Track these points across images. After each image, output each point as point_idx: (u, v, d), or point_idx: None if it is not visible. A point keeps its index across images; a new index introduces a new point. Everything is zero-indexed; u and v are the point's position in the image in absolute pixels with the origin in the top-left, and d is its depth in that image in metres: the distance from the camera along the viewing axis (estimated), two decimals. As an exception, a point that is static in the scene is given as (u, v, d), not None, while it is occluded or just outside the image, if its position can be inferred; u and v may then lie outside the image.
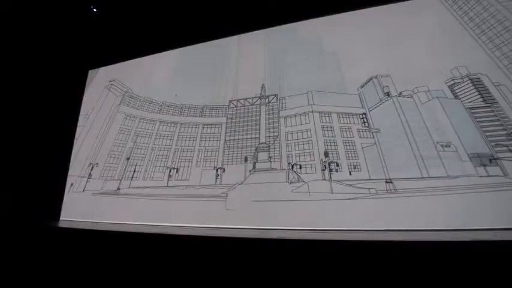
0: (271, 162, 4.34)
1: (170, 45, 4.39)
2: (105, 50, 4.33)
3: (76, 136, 5.30)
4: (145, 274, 2.49)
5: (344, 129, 4.22)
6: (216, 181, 4.53)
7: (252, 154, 4.49)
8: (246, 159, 4.49)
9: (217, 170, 4.60)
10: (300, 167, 4.12)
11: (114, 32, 4.24)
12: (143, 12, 4.10)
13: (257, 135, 4.62)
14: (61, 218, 3.97)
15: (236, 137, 4.77)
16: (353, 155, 3.99)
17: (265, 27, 4.53)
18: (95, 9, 4.02)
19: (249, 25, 4.22)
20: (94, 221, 3.95)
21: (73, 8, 4.00)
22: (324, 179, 3.89)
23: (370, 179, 3.70)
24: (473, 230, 2.37)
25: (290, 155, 4.28)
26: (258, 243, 2.57)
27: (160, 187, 4.77)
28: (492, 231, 2.22)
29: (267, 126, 4.65)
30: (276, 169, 4.22)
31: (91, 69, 4.59)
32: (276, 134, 4.52)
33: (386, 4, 4.15)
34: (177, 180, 4.81)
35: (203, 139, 5.06)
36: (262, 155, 4.42)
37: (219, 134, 4.95)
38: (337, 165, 3.95)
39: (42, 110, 4.05)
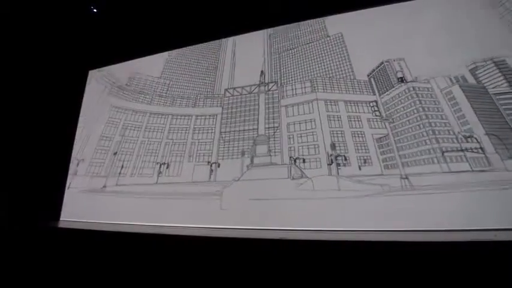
0: (271, 156, 3.98)
1: (170, 45, 4.37)
2: (105, 50, 4.36)
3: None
4: (145, 274, 2.50)
5: (353, 119, 3.84)
6: (210, 177, 4.18)
7: (249, 147, 4.15)
8: (243, 153, 4.13)
9: (211, 165, 4.25)
10: (304, 161, 3.76)
11: (114, 32, 4.26)
12: (143, 12, 4.09)
13: (255, 127, 4.27)
14: (61, 218, 3.95)
15: (232, 129, 4.41)
16: (363, 148, 3.62)
17: (266, 27, 4.37)
18: (95, 10, 4.04)
19: (250, 25, 4.15)
20: (94, 221, 3.87)
21: (73, 8, 4.01)
22: (331, 175, 3.55)
23: (383, 175, 3.37)
24: (473, 231, 2.29)
25: (292, 148, 3.93)
26: (256, 244, 2.49)
27: (149, 184, 4.45)
28: (492, 232, 2.15)
29: (267, 116, 4.30)
30: (277, 164, 3.87)
31: (91, 69, 4.59)
32: (276, 125, 4.17)
33: (389, 4, 3.88)
34: (168, 176, 4.47)
35: (196, 131, 4.70)
36: (261, 148, 4.09)
37: (214, 126, 4.59)
38: (345, 159, 3.59)
39: (42, 110, 4.08)
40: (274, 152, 3.99)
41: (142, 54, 4.42)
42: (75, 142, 4.79)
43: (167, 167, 4.50)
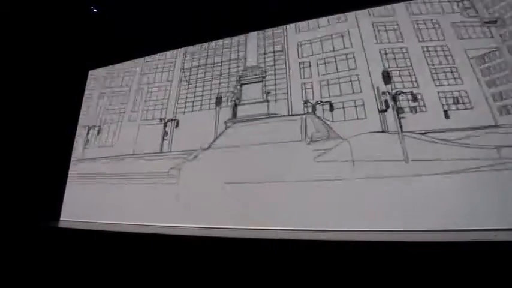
0: (268, 102, 2.69)
1: (171, 45, 3.80)
2: (105, 50, 4.20)
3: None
4: (145, 274, 2.38)
5: (423, 25, 2.47)
6: (161, 146, 2.93)
7: (231, 90, 2.91)
8: (219, 101, 2.87)
9: (165, 125, 2.99)
10: (331, 108, 2.47)
11: (114, 32, 4.08)
12: (143, 12, 3.83)
13: (241, 55, 3.00)
14: (61, 218, 3.65)
15: (202, 62, 3.14)
16: (449, 75, 2.26)
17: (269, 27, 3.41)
18: (95, 10, 3.97)
19: (249, 25, 3.39)
20: (94, 221, 3.27)
21: (73, 8, 3.97)
22: (385, 131, 2.27)
23: (498, 126, 2.01)
24: (473, 231, 1.97)
25: (308, 86, 2.63)
26: (256, 245, 2.22)
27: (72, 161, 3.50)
28: (493, 232, 1.89)
29: (261, 35, 3.02)
30: (280, 115, 2.64)
31: (91, 69, 4.37)
32: (278, 47, 2.88)
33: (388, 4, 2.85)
34: (99, 147, 3.34)
35: (146, 72, 3.46)
36: (251, 90, 2.81)
37: (174, 60, 3.34)
38: (415, 99, 2.28)
39: (42, 110, 3.95)
40: (275, 94, 2.70)
41: (142, 54, 4.03)
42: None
43: (98, 133, 3.40)
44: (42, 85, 4.03)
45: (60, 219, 3.67)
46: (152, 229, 2.85)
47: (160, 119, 3.06)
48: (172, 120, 3.00)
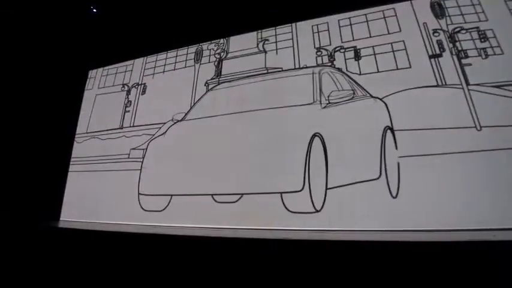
0: (266, 52, 2.05)
1: (171, 45, 3.38)
2: (105, 50, 4.01)
3: None
4: (144, 274, 2.24)
5: None
6: (121, 121, 2.36)
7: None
8: (198, 57, 2.27)
9: (128, 92, 2.42)
10: (357, 56, 1.86)
11: (114, 32, 3.93)
12: (143, 12, 3.68)
13: None
14: (61, 218, 3.45)
15: None
16: None
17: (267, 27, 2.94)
18: (95, 10, 3.90)
19: (249, 25, 2.94)
20: (94, 221, 3.05)
21: (73, 8, 3.89)
22: (441, 85, 1.71)
23: None
24: (472, 231, 1.83)
25: (322, 27, 2.03)
26: (256, 245, 2.03)
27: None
28: (491, 232, 1.75)
29: None
30: (282, 70, 2.00)
31: (91, 69, 4.13)
32: None
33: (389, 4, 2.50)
34: None
35: None
36: (242, 39, 2.20)
37: None
38: (483, 38, 1.77)
39: (42, 110, 3.85)
40: (276, 42, 2.10)
41: (142, 54, 3.68)
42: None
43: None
44: (42, 85, 3.94)
45: (60, 219, 3.53)
46: (151, 229, 2.75)
47: (123, 85, 2.56)
48: (138, 85, 2.47)
